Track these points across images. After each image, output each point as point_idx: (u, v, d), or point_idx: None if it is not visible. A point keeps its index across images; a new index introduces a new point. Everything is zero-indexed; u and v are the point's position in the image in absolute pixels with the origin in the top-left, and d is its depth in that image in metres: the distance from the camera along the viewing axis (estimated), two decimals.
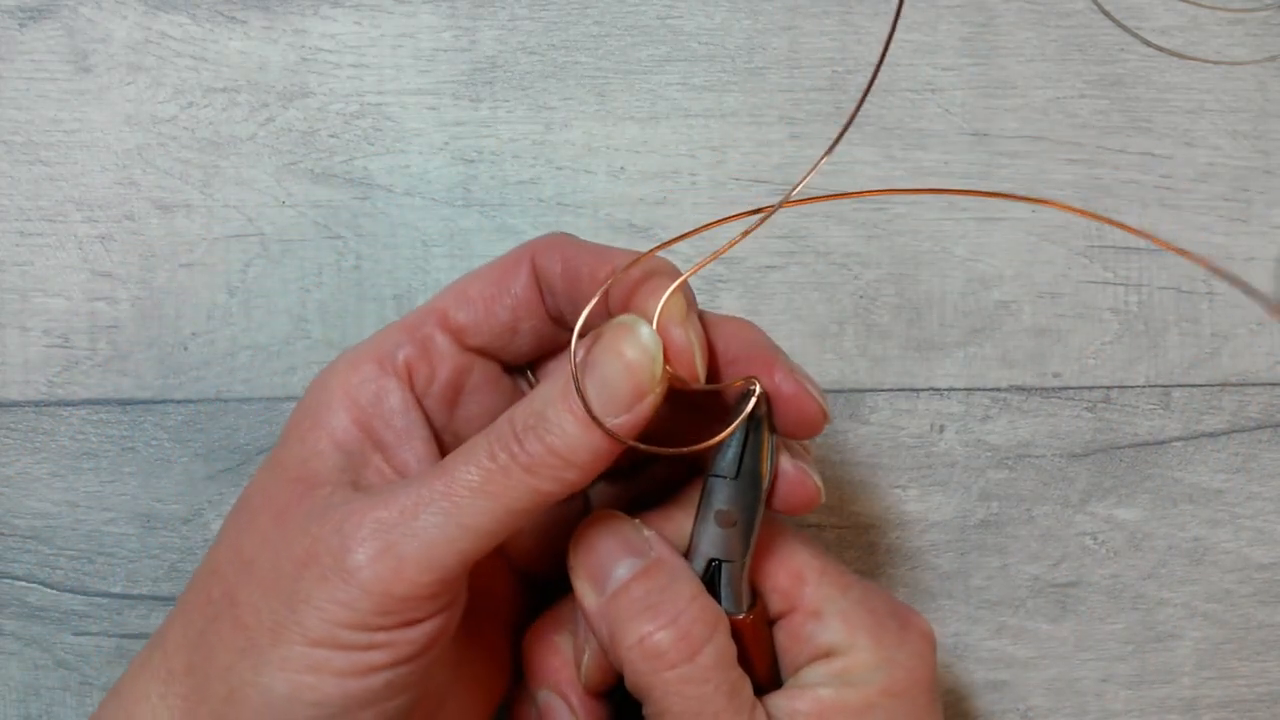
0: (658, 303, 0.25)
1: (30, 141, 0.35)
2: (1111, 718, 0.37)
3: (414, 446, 0.26)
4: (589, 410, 0.24)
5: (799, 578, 0.27)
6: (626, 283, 0.26)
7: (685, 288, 0.26)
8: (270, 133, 0.35)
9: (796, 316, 0.36)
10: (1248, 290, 0.24)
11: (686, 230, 0.27)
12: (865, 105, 0.36)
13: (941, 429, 0.36)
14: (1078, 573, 0.37)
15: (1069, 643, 0.37)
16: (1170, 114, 0.37)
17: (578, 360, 0.24)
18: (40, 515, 0.35)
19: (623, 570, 0.25)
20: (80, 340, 0.35)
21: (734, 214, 0.27)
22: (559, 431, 0.24)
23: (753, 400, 0.26)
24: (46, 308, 0.35)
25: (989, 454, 0.37)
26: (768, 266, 0.36)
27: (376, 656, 0.23)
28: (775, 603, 0.28)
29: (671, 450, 0.26)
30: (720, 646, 0.25)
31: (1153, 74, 0.37)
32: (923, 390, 0.36)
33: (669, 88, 0.36)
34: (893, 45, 0.36)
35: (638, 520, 0.27)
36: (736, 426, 0.26)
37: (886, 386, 0.36)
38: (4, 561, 0.35)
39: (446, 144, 0.35)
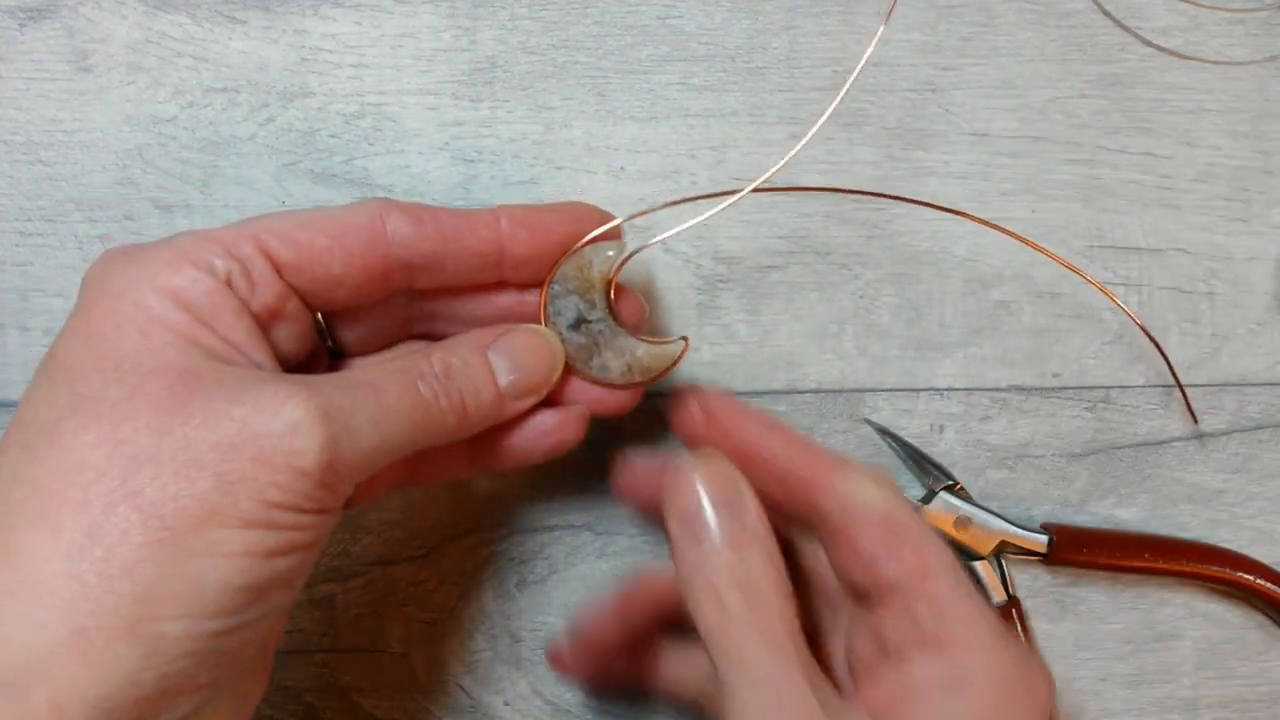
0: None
1: (30, 141, 0.35)
2: (1110, 717, 0.37)
3: (260, 353, 0.26)
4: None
5: (925, 566, 0.27)
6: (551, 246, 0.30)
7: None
8: (270, 133, 0.35)
9: (796, 316, 0.36)
10: None
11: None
12: (865, 105, 0.36)
13: (941, 429, 0.36)
14: (1077, 572, 0.37)
15: (1068, 642, 0.37)
16: (1170, 114, 0.37)
17: (492, 343, 0.29)
18: None
19: (715, 530, 0.27)
20: None
21: (699, 195, 0.31)
22: (475, 395, 0.28)
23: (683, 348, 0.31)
24: (46, 308, 0.35)
25: (989, 454, 0.37)
26: (768, 266, 0.36)
27: (301, 537, 0.24)
28: (891, 572, 0.27)
29: (616, 385, 0.31)
30: (787, 620, 0.26)
31: (1153, 74, 0.37)
32: (922, 390, 0.36)
33: (669, 88, 0.36)
34: (892, 45, 0.36)
35: (739, 475, 0.28)
36: (670, 367, 0.31)
37: (886, 386, 0.36)
38: None
39: (446, 144, 0.35)
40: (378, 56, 0.35)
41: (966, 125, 0.36)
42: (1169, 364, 0.36)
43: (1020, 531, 0.35)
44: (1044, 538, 0.35)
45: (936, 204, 0.34)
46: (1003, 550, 0.35)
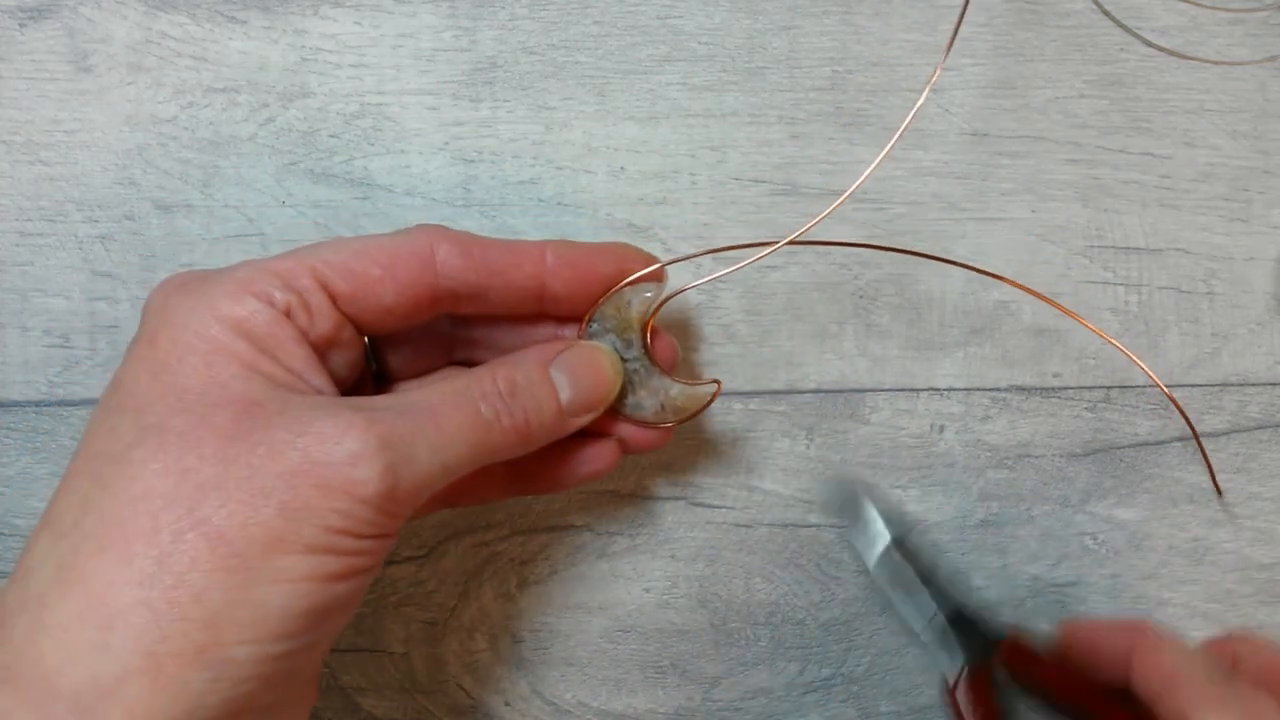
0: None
1: (30, 141, 0.35)
2: None
3: (319, 379, 0.27)
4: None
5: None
6: (598, 280, 0.30)
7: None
8: (270, 133, 0.35)
9: (796, 316, 0.36)
10: None
11: (690, 241, 0.28)
12: (864, 104, 0.36)
13: (941, 429, 0.36)
14: (1078, 573, 0.37)
15: None
16: (1170, 114, 0.37)
17: (554, 359, 0.29)
18: (41, 515, 0.35)
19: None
20: (80, 340, 0.35)
21: (739, 244, 0.31)
22: (539, 413, 0.28)
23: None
24: (46, 308, 0.35)
25: (989, 454, 0.37)
26: (768, 266, 0.36)
27: (361, 561, 0.25)
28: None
29: (649, 424, 0.32)
30: None
31: (1152, 74, 0.37)
32: (923, 390, 0.36)
33: (669, 88, 0.36)
34: (892, 45, 0.36)
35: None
36: (702, 409, 0.32)
37: (886, 386, 0.36)
38: (5, 562, 0.35)
39: (446, 144, 0.35)
40: (378, 56, 0.35)
41: (966, 125, 0.36)
42: (1147, 372, 0.35)
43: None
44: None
45: (974, 266, 0.34)
46: None
